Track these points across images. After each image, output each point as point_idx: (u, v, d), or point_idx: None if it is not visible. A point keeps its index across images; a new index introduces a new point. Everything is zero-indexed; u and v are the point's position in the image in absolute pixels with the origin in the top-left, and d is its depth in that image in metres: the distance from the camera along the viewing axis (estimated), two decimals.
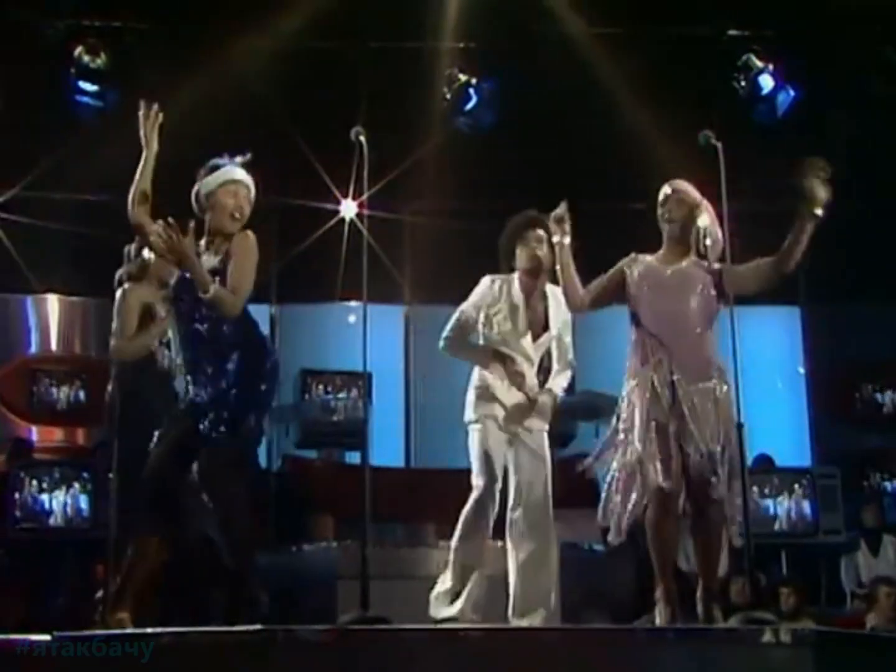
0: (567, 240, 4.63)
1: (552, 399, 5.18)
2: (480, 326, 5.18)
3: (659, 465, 4.39)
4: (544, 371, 5.26)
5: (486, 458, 5.04)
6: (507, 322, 5.14)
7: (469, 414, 5.16)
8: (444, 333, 5.22)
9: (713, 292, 4.60)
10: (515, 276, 5.20)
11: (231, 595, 4.49)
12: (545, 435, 5.20)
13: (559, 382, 5.23)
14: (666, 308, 4.60)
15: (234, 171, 4.64)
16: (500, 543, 5.15)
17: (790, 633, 3.42)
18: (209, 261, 4.50)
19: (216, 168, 4.64)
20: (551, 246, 4.82)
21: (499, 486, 5.08)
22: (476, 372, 5.22)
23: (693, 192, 4.69)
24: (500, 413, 5.10)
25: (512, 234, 5.22)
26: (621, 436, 4.57)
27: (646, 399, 4.48)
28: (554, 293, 5.12)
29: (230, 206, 4.58)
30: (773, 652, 3.38)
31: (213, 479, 4.36)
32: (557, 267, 4.68)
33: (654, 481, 4.40)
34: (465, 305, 5.23)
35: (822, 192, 4.37)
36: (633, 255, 4.75)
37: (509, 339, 5.14)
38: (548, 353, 5.24)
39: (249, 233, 4.57)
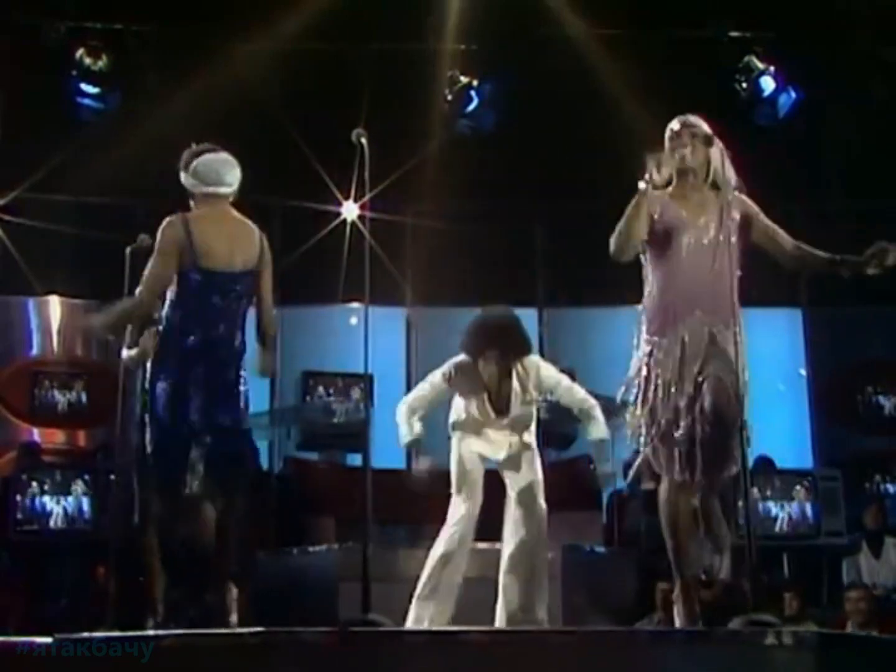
0: (643, 185, 4.26)
1: None
2: None
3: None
4: None
5: None
6: None
7: None
8: None
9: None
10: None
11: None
12: None
13: None
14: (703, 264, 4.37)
15: (220, 185, 4.46)
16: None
17: (792, 635, 3.42)
18: None
19: (200, 159, 4.48)
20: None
21: None
22: None
23: (705, 125, 4.48)
24: None
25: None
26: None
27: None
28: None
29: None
30: (775, 654, 3.37)
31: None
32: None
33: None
34: None
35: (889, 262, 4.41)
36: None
37: None
38: None
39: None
